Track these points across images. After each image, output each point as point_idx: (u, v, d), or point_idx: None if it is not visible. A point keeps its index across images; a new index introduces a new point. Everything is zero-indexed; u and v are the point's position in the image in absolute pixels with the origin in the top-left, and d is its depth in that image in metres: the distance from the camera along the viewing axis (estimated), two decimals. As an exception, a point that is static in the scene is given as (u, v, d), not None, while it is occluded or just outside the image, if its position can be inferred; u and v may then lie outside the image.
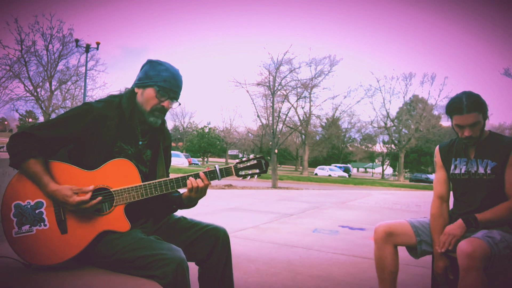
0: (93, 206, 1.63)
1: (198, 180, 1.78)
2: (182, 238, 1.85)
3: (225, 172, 1.80)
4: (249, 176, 1.82)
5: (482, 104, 2.12)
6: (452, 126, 2.22)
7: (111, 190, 1.70)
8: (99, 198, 1.65)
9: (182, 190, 1.88)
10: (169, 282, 1.53)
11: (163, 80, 1.80)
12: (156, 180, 1.75)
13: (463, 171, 2.25)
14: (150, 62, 1.86)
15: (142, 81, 1.82)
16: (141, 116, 1.83)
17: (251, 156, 1.85)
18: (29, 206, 1.63)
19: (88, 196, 1.62)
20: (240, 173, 1.81)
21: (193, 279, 1.70)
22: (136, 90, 1.84)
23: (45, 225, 1.63)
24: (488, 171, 2.17)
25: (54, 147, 1.71)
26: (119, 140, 1.79)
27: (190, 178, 1.78)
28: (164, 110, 1.84)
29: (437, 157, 2.40)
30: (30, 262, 1.61)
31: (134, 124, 1.84)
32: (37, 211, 1.63)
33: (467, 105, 2.09)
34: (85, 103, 1.78)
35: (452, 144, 2.35)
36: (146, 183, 1.73)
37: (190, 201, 1.88)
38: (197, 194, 1.81)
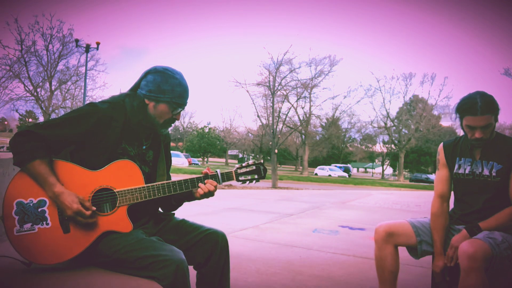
0: (86, 222, 1.63)
1: (208, 184, 1.84)
2: (182, 242, 1.86)
3: (226, 177, 1.88)
4: (248, 181, 1.89)
5: (495, 105, 2.07)
6: (462, 126, 2.16)
7: (114, 190, 1.70)
8: (94, 219, 1.66)
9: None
10: (169, 283, 1.54)
11: (177, 96, 1.81)
12: (160, 182, 1.76)
13: (467, 171, 2.23)
14: (161, 73, 1.80)
15: (156, 95, 1.79)
16: (150, 125, 1.84)
17: (251, 162, 1.91)
18: (31, 204, 1.62)
19: (89, 212, 1.63)
20: (240, 178, 1.89)
21: (192, 283, 1.70)
22: (147, 101, 1.81)
23: (47, 224, 1.62)
24: (493, 174, 2.14)
25: (57, 147, 1.70)
26: (124, 141, 1.80)
27: (201, 184, 1.83)
28: (174, 121, 1.89)
29: (440, 155, 2.36)
30: (31, 261, 1.61)
31: (139, 128, 1.84)
32: (39, 210, 1.63)
33: (481, 106, 2.04)
34: (90, 103, 1.78)
35: (457, 143, 2.31)
36: (150, 185, 1.74)
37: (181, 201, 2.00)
38: (207, 196, 1.87)
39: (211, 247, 1.86)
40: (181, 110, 1.87)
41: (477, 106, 2.05)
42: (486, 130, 2.09)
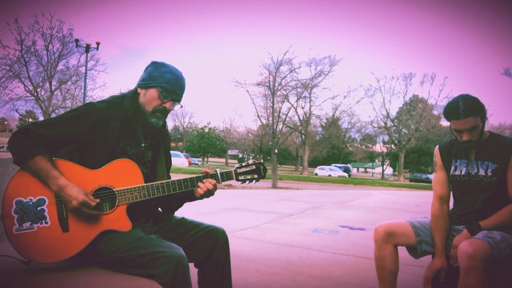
0: (91, 214, 1.63)
1: (207, 183, 1.83)
2: (182, 240, 1.86)
3: (226, 176, 1.86)
4: (248, 181, 1.89)
5: (479, 107, 2.09)
6: (451, 130, 2.20)
7: (113, 189, 1.70)
8: (97, 211, 1.65)
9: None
10: (169, 280, 1.53)
11: (166, 82, 1.82)
12: (159, 182, 1.76)
13: (463, 172, 2.24)
14: (154, 64, 1.88)
15: (145, 82, 1.84)
16: (143, 118, 1.84)
17: (251, 161, 1.91)
18: (30, 203, 1.62)
19: (94, 203, 1.63)
20: (240, 177, 1.88)
21: (193, 281, 1.70)
22: (139, 90, 1.85)
23: (46, 223, 1.62)
24: (489, 173, 2.16)
25: (55, 146, 1.70)
26: (122, 141, 1.80)
27: (200, 184, 1.82)
28: (166, 112, 1.86)
29: (436, 158, 2.38)
30: (29, 259, 1.61)
31: (137, 126, 1.85)
32: (38, 208, 1.63)
33: (464, 109, 2.07)
34: (88, 103, 1.78)
35: (452, 145, 2.33)
36: (149, 184, 1.74)
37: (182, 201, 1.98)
38: (207, 196, 1.86)
39: (211, 244, 1.87)
40: (170, 99, 1.84)
41: (460, 110, 2.08)
42: (473, 132, 2.11)
